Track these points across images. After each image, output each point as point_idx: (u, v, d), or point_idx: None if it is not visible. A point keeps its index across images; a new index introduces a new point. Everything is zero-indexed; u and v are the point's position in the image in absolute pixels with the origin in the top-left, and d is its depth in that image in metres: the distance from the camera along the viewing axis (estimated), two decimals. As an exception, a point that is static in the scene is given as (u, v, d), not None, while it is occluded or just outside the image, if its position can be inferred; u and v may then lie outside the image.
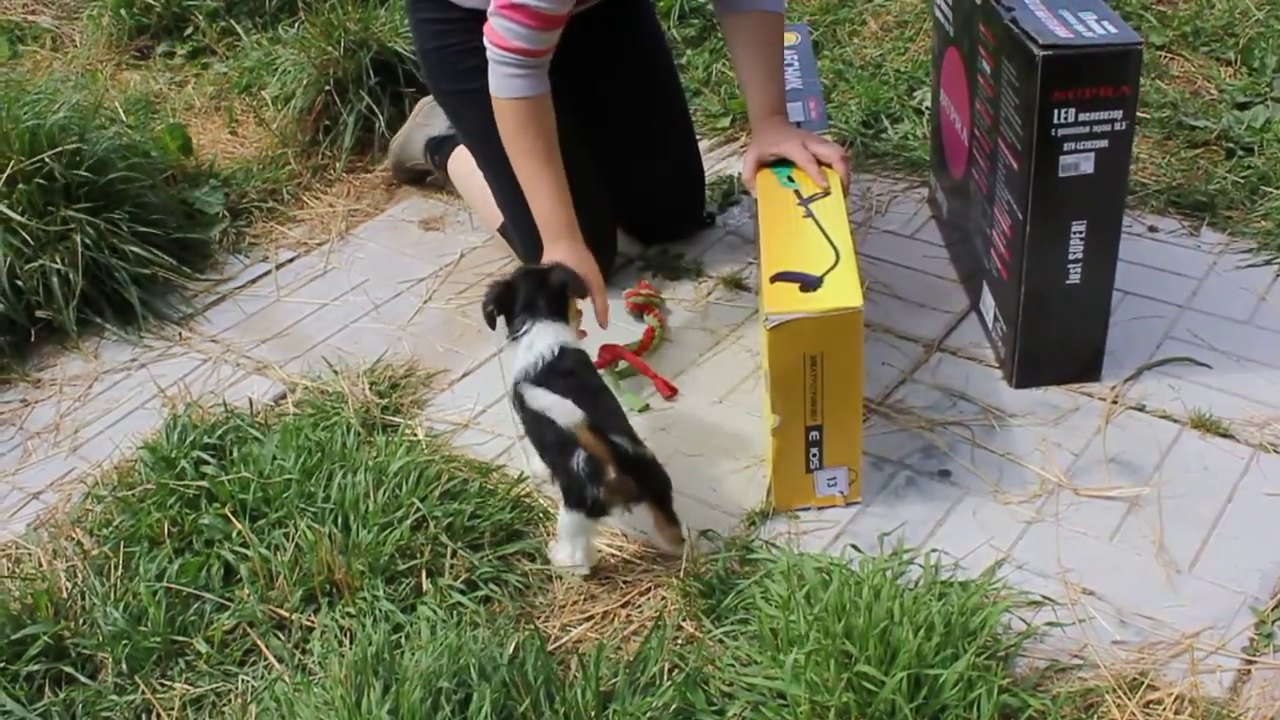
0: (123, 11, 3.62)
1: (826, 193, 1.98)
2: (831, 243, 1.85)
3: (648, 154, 2.50)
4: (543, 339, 1.84)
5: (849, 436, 1.82)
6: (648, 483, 1.74)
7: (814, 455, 1.82)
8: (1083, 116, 1.83)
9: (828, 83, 3.03)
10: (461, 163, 2.66)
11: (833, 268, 1.80)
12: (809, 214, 1.93)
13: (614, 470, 1.69)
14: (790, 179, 2.02)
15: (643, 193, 2.51)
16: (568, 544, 1.77)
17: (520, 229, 2.36)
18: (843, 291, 1.75)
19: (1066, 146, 1.85)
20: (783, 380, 1.75)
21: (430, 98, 2.82)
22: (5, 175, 2.42)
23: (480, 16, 2.09)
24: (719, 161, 2.80)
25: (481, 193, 2.52)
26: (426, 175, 2.86)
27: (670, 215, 2.58)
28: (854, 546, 1.76)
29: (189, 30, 3.60)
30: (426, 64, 2.45)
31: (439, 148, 2.75)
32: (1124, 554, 1.75)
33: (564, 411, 1.68)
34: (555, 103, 2.14)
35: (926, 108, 2.84)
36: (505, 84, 2.07)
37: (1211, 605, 1.66)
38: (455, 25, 2.32)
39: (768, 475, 1.88)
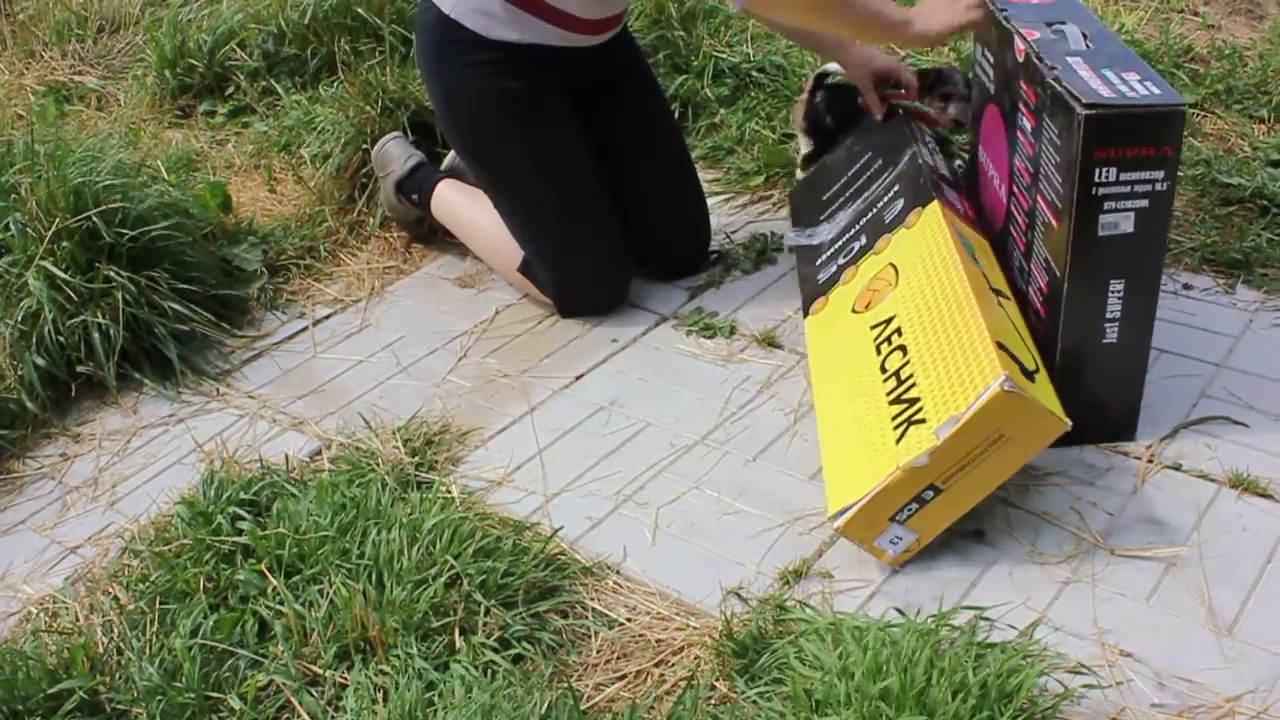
0: (167, 72, 3.69)
1: (1008, 297, 2.03)
2: (1027, 346, 1.89)
3: (659, 186, 2.63)
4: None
5: (948, 514, 1.80)
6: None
7: (910, 509, 1.79)
8: (1124, 176, 1.83)
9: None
10: (446, 204, 2.73)
11: (1037, 370, 1.84)
12: (1000, 305, 1.95)
13: (811, 88, 2.71)
14: (975, 259, 2.04)
15: (654, 224, 2.61)
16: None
17: (550, 267, 2.52)
18: (1054, 400, 1.79)
19: (1107, 206, 1.85)
20: (964, 435, 1.73)
21: (378, 146, 2.89)
22: (51, 232, 2.46)
23: (517, 53, 2.39)
24: (753, 220, 2.81)
25: (484, 232, 2.62)
26: (424, 221, 2.86)
27: (684, 246, 2.67)
28: (897, 610, 1.75)
29: (230, 90, 3.65)
30: (482, 106, 2.49)
31: (415, 189, 2.79)
32: (1162, 615, 1.73)
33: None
34: (578, 140, 2.49)
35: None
36: None
37: (1254, 668, 1.64)
38: (502, 67, 2.43)
39: (827, 500, 1.87)
